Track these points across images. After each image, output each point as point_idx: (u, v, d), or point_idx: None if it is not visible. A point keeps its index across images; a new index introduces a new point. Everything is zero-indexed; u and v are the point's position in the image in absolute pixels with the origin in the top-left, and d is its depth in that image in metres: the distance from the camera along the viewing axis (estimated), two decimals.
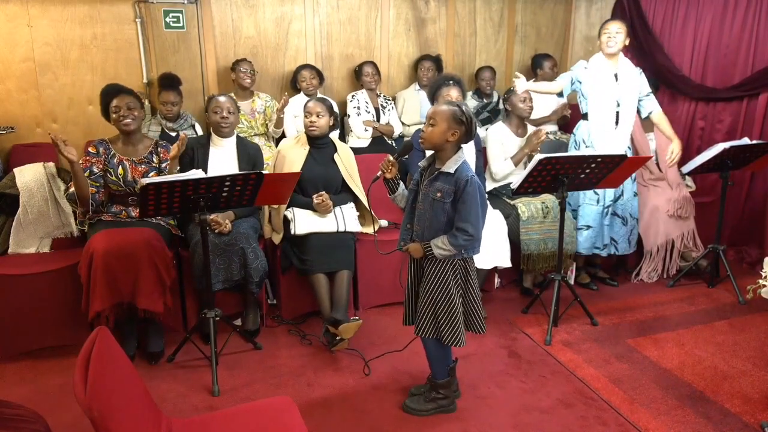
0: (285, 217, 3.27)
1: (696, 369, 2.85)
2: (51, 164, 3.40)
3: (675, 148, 3.62)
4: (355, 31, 4.65)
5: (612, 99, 3.51)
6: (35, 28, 3.87)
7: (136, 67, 4.12)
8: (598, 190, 3.60)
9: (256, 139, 4.13)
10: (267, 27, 4.42)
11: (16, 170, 3.36)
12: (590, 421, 2.46)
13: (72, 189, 2.93)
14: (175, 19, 4.16)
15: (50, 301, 2.94)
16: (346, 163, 3.42)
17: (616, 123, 3.55)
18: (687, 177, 4.17)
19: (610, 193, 3.63)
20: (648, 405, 2.56)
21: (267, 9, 4.38)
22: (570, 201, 3.68)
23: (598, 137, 3.56)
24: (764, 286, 2.40)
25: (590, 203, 3.64)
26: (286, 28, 4.47)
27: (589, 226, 3.65)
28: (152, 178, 2.48)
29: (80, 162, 2.93)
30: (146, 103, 4.14)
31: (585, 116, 3.63)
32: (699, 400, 2.59)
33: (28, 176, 3.31)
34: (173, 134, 3.87)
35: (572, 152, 3.67)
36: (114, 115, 2.96)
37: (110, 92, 2.99)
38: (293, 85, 4.38)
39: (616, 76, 3.52)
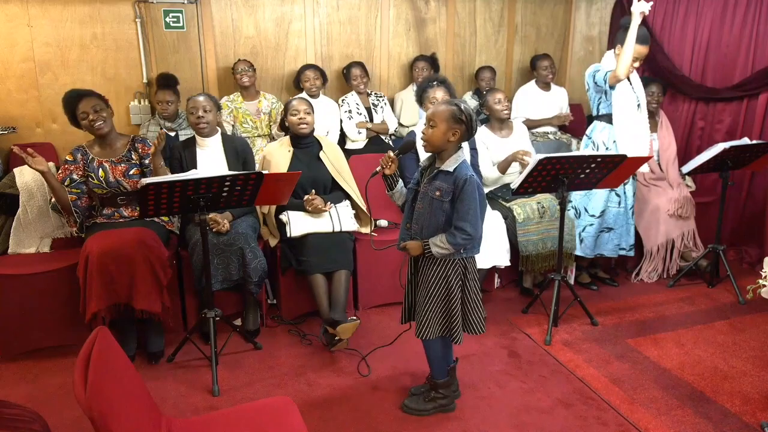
0: (280, 220, 3.27)
1: (696, 369, 2.85)
2: (51, 164, 3.39)
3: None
4: (355, 31, 4.65)
5: (633, 101, 3.49)
6: (35, 28, 3.88)
7: (136, 67, 4.13)
8: (618, 191, 3.59)
9: (258, 141, 4.13)
10: (267, 27, 4.42)
11: (16, 170, 3.36)
12: (590, 421, 2.46)
13: (54, 199, 2.92)
14: (175, 19, 4.16)
15: (50, 301, 2.94)
16: (333, 160, 3.40)
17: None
18: (687, 177, 4.17)
19: (630, 193, 3.62)
20: (648, 405, 2.56)
21: (267, 9, 4.38)
22: (587, 207, 3.65)
23: (625, 141, 3.48)
24: (764, 286, 2.40)
25: (613, 205, 3.62)
26: (286, 28, 4.47)
27: (611, 228, 3.64)
28: (152, 178, 2.48)
29: (59, 172, 2.94)
30: (146, 103, 4.16)
31: (601, 117, 3.58)
32: (699, 400, 2.59)
33: (28, 176, 3.31)
34: (172, 134, 3.87)
35: (578, 152, 3.66)
36: (84, 121, 2.91)
37: (72, 99, 2.92)
38: (296, 84, 4.37)
39: (629, 79, 3.50)
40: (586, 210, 3.66)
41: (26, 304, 2.91)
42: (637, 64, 3.44)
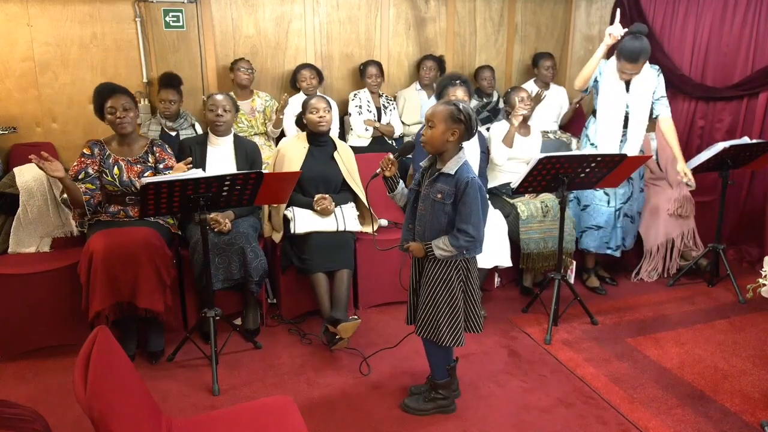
0: (285, 216, 3.27)
1: (696, 368, 2.85)
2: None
3: (684, 168, 3.55)
4: (355, 31, 4.65)
5: (620, 105, 3.51)
6: (35, 28, 3.87)
7: (135, 66, 4.12)
8: (608, 191, 3.60)
9: (255, 139, 4.13)
10: (267, 26, 4.42)
11: (16, 170, 3.36)
12: (590, 420, 2.46)
13: (65, 195, 2.92)
14: (174, 19, 4.16)
15: (50, 300, 2.94)
16: (346, 161, 3.42)
17: (625, 126, 3.55)
18: None
19: (621, 195, 3.63)
20: (648, 404, 2.56)
21: (267, 8, 4.38)
22: (579, 196, 3.73)
23: (604, 140, 3.57)
24: (764, 285, 2.41)
25: (600, 204, 3.63)
26: (286, 28, 4.47)
27: (599, 227, 3.63)
28: (152, 178, 2.48)
29: (74, 164, 2.94)
30: (146, 102, 4.15)
31: (593, 112, 3.66)
32: (699, 399, 2.59)
33: (28, 176, 3.31)
34: (173, 134, 3.87)
35: (578, 151, 3.68)
36: (110, 116, 2.92)
37: (104, 92, 2.93)
38: (293, 84, 4.38)
39: (627, 84, 3.51)
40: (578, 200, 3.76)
41: (26, 303, 2.91)
42: (625, 77, 3.49)
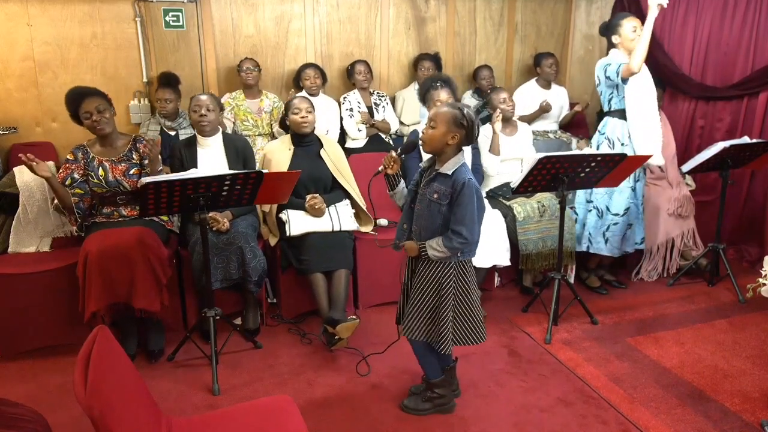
0: (279, 218, 3.27)
1: (696, 368, 2.85)
2: (51, 163, 3.38)
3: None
4: (355, 30, 4.65)
5: (653, 94, 3.42)
6: (35, 27, 3.88)
7: (135, 66, 4.13)
8: (634, 186, 3.53)
9: (259, 139, 4.13)
10: (267, 26, 4.42)
11: (16, 169, 3.36)
12: (590, 420, 2.46)
13: (56, 201, 2.92)
14: (174, 18, 4.16)
15: (50, 300, 2.94)
16: (333, 158, 3.40)
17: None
18: (687, 176, 4.17)
19: (640, 187, 3.56)
20: (648, 404, 2.56)
21: (267, 8, 4.38)
22: (609, 206, 3.56)
23: (639, 136, 3.41)
24: (764, 284, 2.41)
25: (633, 201, 3.54)
26: (286, 27, 4.47)
27: (631, 225, 3.58)
28: (152, 178, 2.48)
29: (60, 171, 2.95)
30: (146, 102, 4.16)
31: (613, 113, 3.49)
32: (699, 399, 2.59)
33: (28, 175, 3.30)
34: (172, 133, 3.88)
35: (587, 150, 3.59)
36: (86, 121, 2.90)
37: (76, 97, 2.90)
38: (296, 83, 4.38)
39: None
40: (608, 209, 3.57)
41: (26, 303, 2.91)
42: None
